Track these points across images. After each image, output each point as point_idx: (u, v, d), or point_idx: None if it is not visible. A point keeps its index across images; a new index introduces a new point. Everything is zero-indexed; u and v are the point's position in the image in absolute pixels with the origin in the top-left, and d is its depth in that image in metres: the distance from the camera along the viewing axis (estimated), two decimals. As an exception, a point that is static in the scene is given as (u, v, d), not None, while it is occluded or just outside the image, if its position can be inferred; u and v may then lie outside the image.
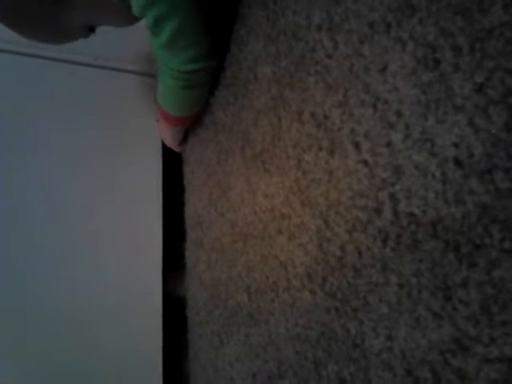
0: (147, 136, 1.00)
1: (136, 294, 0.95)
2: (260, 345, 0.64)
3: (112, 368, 0.90)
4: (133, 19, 0.73)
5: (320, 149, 0.52)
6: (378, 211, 0.43)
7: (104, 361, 0.89)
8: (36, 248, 0.88)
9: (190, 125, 0.93)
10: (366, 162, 0.45)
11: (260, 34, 0.65)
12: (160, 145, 1.03)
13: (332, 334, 0.50)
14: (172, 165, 1.05)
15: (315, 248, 0.52)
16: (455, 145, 0.35)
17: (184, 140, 0.99)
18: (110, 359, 0.90)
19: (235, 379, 0.72)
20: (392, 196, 0.42)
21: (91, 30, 0.76)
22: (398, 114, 0.41)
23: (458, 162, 0.35)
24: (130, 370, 0.91)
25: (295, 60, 0.56)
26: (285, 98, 0.59)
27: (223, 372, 0.77)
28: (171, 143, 1.00)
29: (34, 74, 0.94)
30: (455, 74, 0.35)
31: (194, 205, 0.93)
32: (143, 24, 0.71)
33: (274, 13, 0.61)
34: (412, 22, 0.39)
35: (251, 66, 0.67)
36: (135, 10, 0.68)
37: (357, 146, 0.46)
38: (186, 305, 0.98)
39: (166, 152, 1.04)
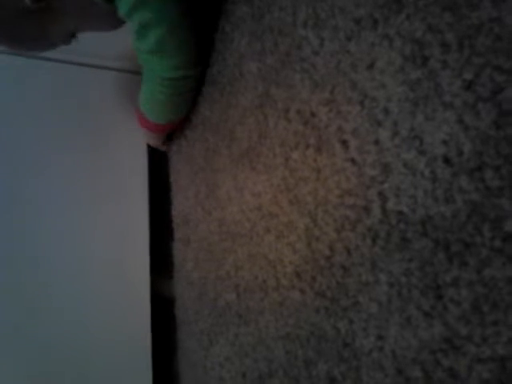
0: (132, 134, 0.99)
1: (124, 293, 0.94)
2: (249, 344, 0.64)
3: (101, 367, 0.89)
4: (117, 23, 0.72)
5: (307, 147, 0.51)
6: (367, 210, 0.43)
7: (93, 360, 0.88)
8: (23, 247, 0.86)
9: (171, 131, 0.92)
10: (353, 160, 0.44)
11: (245, 30, 0.64)
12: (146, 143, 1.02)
13: (322, 333, 0.49)
14: (158, 163, 1.04)
15: (304, 247, 0.52)
16: (444, 142, 0.35)
17: (169, 139, 0.98)
18: (99, 359, 0.89)
19: (225, 379, 0.72)
20: (381, 194, 0.41)
21: (73, 36, 0.75)
22: (386, 111, 0.40)
23: (447, 160, 0.35)
24: (119, 370, 0.90)
25: (281, 57, 0.56)
26: (271, 96, 0.58)
27: (212, 372, 0.76)
28: (154, 145, 0.99)
29: (14, 72, 0.93)
30: (444, 70, 0.35)
31: (181, 203, 0.92)
32: (127, 25, 0.70)
33: (259, 9, 0.60)
34: (399, 18, 0.39)
35: (237, 62, 0.66)
36: (122, 11, 0.67)
37: (344, 143, 0.45)
38: (174, 304, 0.97)
39: (152, 150, 1.03)
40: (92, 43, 0.85)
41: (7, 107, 0.91)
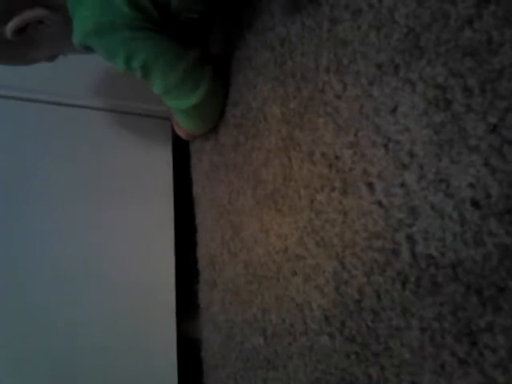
0: (159, 176, 1.01)
1: (150, 335, 0.93)
2: (278, 390, 0.63)
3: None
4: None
5: (332, 189, 0.51)
6: (396, 253, 0.42)
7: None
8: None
9: None
10: (380, 203, 0.44)
11: (268, 76, 0.65)
12: (172, 185, 1.04)
13: (353, 379, 0.48)
14: (184, 205, 1.05)
15: (332, 290, 0.51)
16: (471, 185, 0.35)
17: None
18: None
19: (254, 426, 0.70)
20: (409, 237, 0.41)
21: (55, 56, 0.78)
22: (411, 154, 0.40)
23: (475, 203, 0.34)
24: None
25: (304, 101, 0.56)
26: (295, 139, 0.59)
27: (241, 418, 0.75)
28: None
29: (44, 119, 0.96)
30: (467, 114, 0.35)
31: (207, 245, 0.92)
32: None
33: (282, 55, 0.61)
34: (421, 64, 0.39)
35: (260, 106, 0.68)
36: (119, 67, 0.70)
37: (370, 186, 0.45)
38: (200, 346, 0.96)
39: (178, 192, 1.04)
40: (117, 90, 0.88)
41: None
